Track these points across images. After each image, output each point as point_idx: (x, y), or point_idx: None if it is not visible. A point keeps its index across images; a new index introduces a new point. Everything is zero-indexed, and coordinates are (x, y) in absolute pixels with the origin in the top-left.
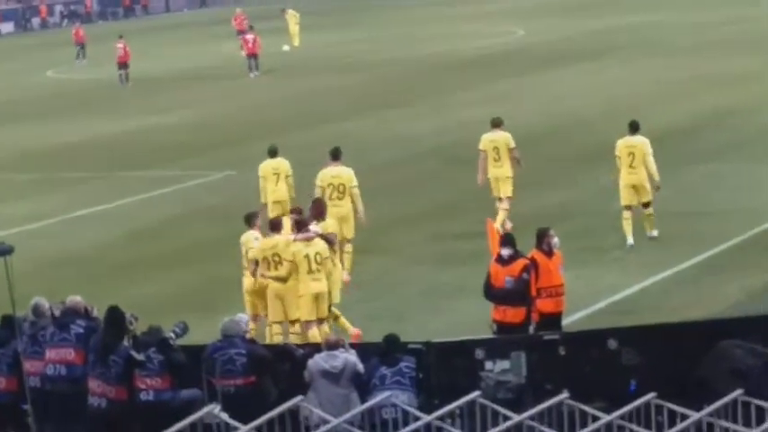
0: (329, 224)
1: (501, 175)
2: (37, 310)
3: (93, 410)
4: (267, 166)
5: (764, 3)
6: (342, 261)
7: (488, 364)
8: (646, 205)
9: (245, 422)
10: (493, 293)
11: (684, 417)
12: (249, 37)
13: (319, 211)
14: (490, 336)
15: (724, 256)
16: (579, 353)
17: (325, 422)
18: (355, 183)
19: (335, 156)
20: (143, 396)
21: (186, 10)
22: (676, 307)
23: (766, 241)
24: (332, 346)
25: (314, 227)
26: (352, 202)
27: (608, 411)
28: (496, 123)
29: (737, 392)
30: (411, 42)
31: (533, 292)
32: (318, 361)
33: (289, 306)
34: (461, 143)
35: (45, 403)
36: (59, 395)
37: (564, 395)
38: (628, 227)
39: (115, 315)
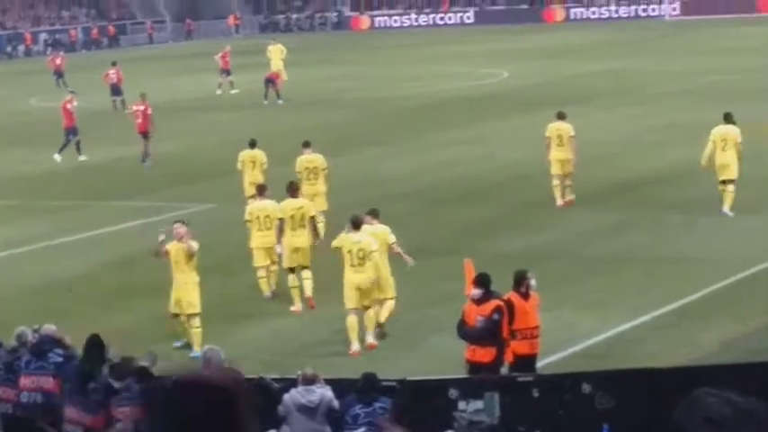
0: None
1: (564, 158)
2: (20, 340)
3: None
4: (246, 154)
5: (752, 56)
6: (316, 230)
7: (462, 404)
8: (730, 182)
9: None
10: (464, 332)
11: None
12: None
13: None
14: (464, 375)
15: (700, 305)
16: (553, 395)
17: None
18: (326, 165)
19: (307, 144)
20: (120, 427)
21: (171, 42)
22: (651, 353)
23: (741, 291)
24: (309, 380)
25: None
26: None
27: None
28: (561, 115)
29: None
30: (394, 81)
31: (506, 334)
32: (295, 395)
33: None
34: (440, 184)
35: (16, 430)
36: (31, 423)
37: None
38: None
39: (96, 342)
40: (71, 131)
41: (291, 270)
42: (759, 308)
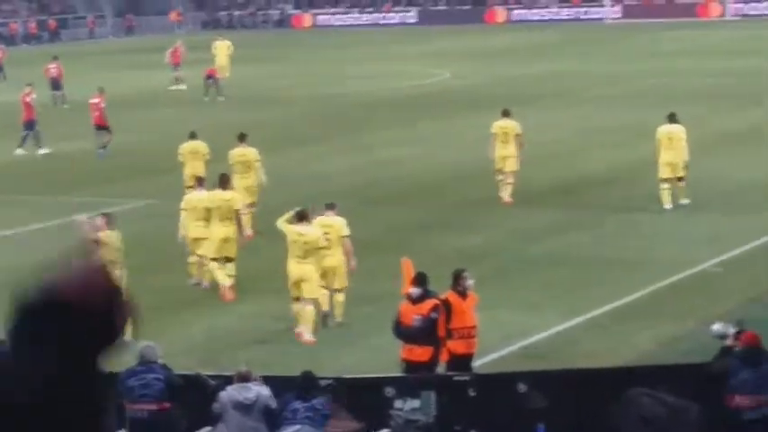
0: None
1: (508, 154)
2: None
3: None
4: (187, 146)
5: (691, 59)
6: (240, 225)
7: (398, 403)
8: (680, 179)
9: None
10: (401, 331)
11: None
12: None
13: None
14: (401, 374)
15: (636, 305)
16: (489, 395)
17: None
18: (258, 158)
19: (242, 138)
20: None
21: (112, 37)
22: (587, 353)
23: (677, 291)
24: (243, 378)
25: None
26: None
27: None
28: (506, 113)
29: None
30: (336, 80)
31: (443, 333)
32: (231, 392)
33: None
34: (380, 182)
35: None
36: None
37: None
38: (666, 196)
39: None
40: (29, 125)
41: (215, 259)
42: (694, 309)
